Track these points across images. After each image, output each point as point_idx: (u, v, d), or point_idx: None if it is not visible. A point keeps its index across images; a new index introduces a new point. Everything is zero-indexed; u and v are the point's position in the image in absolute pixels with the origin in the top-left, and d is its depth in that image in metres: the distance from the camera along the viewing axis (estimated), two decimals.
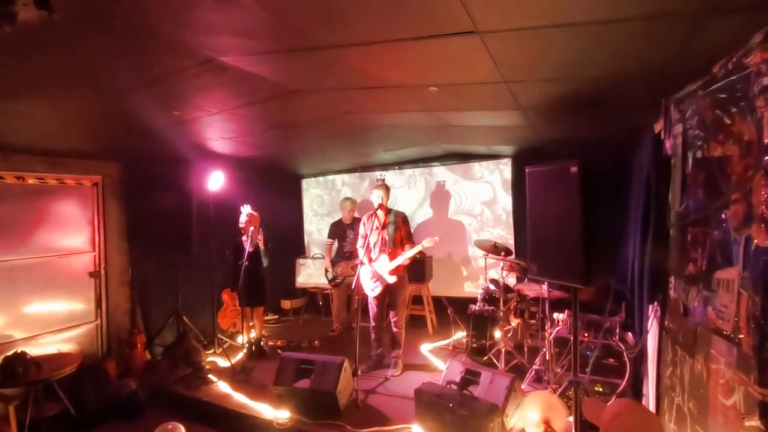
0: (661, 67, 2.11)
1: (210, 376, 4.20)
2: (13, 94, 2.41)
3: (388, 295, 4.15)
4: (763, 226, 1.44)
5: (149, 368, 4.46)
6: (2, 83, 2.24)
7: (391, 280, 4.03)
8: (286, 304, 6.41)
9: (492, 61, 2.12)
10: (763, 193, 1.44)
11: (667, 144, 2.48)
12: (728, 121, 1.73)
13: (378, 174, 6.28)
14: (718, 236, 1.80)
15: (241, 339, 4.93)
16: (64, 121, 3.10)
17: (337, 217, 5.89)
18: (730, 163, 1.71)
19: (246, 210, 4.64)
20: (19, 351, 3.40)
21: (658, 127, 2.61)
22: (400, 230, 4.13)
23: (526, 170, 3.24)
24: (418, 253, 4.08)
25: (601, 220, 3.68)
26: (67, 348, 4.12)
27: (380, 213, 4.14)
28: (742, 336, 1.56)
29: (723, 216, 1.76)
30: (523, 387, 3.40)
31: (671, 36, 1.74)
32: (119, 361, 4.37)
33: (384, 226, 4.13)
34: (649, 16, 1.58)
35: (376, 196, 4.12)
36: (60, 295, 4.22)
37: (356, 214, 5.58)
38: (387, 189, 4.20)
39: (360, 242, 4.25)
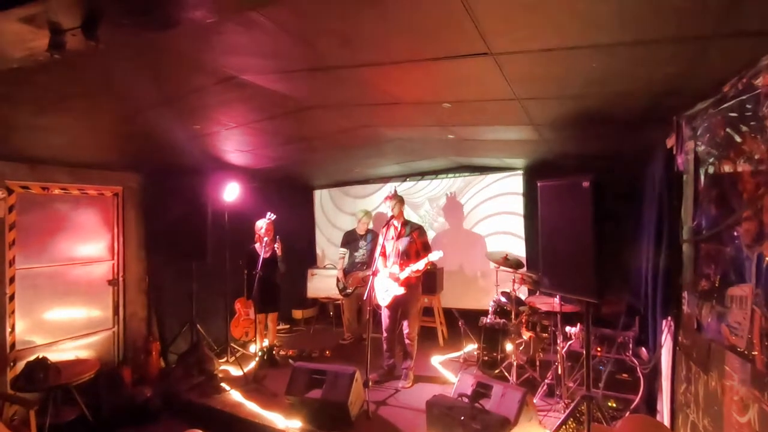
0: (673, 86, 2.14)
1: (223, 384, 4.24)
2: (44, 109, 2.53)
3: (401, 306, 4.16)
4: None
5: (163, 375, 4.53)
6: (34, 99, 2.36)
7: (399, 291, 4.05)
8: (298, 313, 6.46)
9: (505, 80, 2.17)
10: None
11: (679, 160, 2.50)
12: (739, 140, 1.76)
13: (389, 185, 6.35)
14: (731, 253, 1.82)
15: (253, 348, 4.98)
16: (89, 134, 3.23)
17: (349, 228, 5.95)
18: (741, 180, 1.74)
19: (271, 217, 4.74)
20: (40, 357, 3.49)
21: (671, 142, 2.63)
22: (416, 242, 4.13)
23: (538, 184, 3.27)
24: (429, 264, 4.10)
25: (614, 234, 3.67)
26: (85, 354, 4.22)
27: (396, 223, 4.18)
28: (755, 353, 1.56)
29: (735, 233, 1.77)
30: (534, 401, 3.38)
31: (682, 57, 1.77)
32: (135, 367, 4.45)
33: (398, 238, 4.16)
34: (661, 39, 1.62)
35: (388, 207, 4.17)
36: (79, 302, 4.32)
37: (371, 226, 5.64)
38: (400, 200, 4.23)
39: (378, 251, 4.27)
